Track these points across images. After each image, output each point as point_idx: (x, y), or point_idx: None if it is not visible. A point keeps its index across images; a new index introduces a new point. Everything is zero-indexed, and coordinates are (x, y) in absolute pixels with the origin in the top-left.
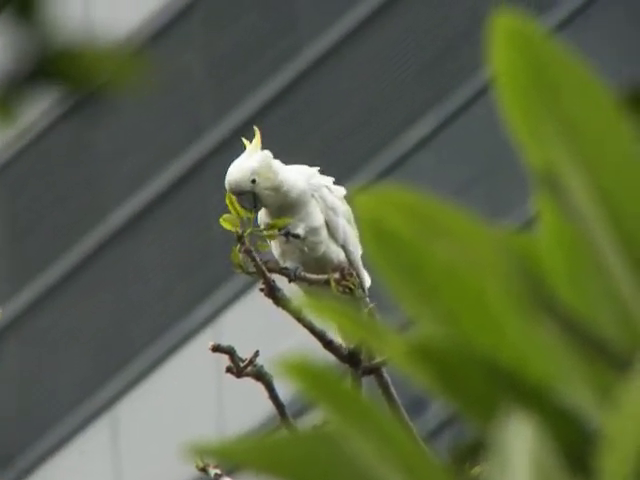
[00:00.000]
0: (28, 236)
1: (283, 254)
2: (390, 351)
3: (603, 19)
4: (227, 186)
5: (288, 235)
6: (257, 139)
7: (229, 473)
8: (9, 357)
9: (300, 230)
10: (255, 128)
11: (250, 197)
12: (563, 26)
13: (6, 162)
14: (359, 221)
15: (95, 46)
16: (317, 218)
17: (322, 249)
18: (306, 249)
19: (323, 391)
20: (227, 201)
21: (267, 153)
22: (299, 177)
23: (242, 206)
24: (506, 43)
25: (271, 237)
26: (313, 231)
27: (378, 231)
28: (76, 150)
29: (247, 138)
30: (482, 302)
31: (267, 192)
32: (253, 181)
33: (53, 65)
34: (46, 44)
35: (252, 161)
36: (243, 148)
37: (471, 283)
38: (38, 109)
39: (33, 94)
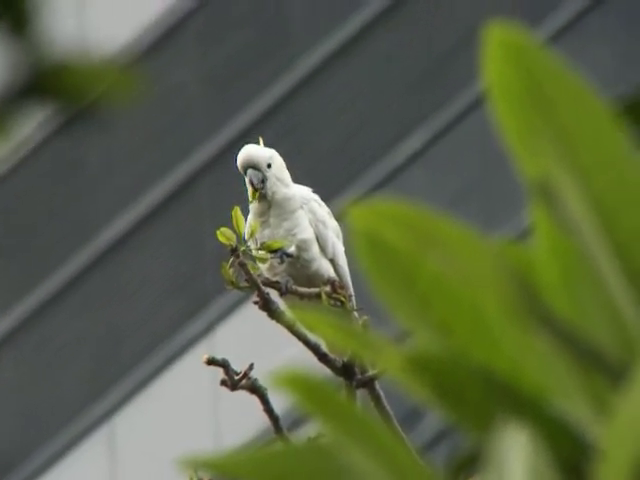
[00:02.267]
0: (19, 252)
1: (271, 268)
2: (385, 363)
3: (601, 26)
4: (243, 158)
5: (282, 257)
6: (261, 143)
7: None
8: (5, 371)
9: (293, 249)
10: (259, 138)
11: (261, 176)
12: (560, 34)
13: None
14: (353, 233)
15: (87, 61)
16: (307, 229)
17: (315, 267)
18: (298, 266)
19: (318, 403)
20: (232, 214)
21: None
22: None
23: (251, 182)
24: (500, 55)
25: (263, 260)
26: (304, 245)
27: (372, 243)
28: (67, 166)
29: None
30: (477, 313)
31: (275, 181)
32: (269, 165)
33: (45, 80)
34: (38, 59)
35: (269, 150)
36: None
37: (466, 294)
38: (29, 125)
39: (25, 110)
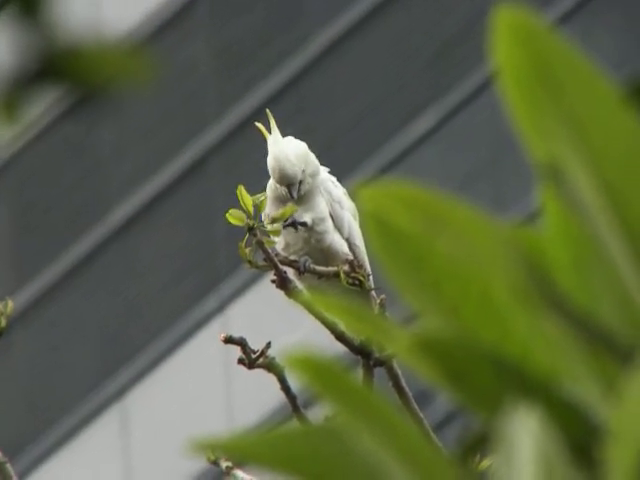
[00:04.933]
0: (32, 231)
1: (287, 247)
2: (395, 346)
3: (607, 9)
4: (280, 178)
5: (295, 224)
6: (273, 123)
7: (240, 465)
8: (17, 350)
9: (307, 219)
10: (268, 112)
11: (297, 186)
12: (567, 19)
13: (10, 159)
14: (363, 215)
15: (99, 43)
16: (323, 210)
17: (329, 240)
18: (313, 240)
19: (328, 385)
20: (238, 193)
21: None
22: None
23: (291, 196)
24: (509, 36)
25: (276, 233)
26: (319, 221)
27: (382, 225)
28: (79, 146)
29: (253, 130)
30: (486, 296)
31: (308, 179)
32: (303, 170)
33: (57, 63)
34: (50, 41)
35: (296, 148)
36: (252, 137)
37: (475, 277)
38: (41, 106)
39: (37, 92)
